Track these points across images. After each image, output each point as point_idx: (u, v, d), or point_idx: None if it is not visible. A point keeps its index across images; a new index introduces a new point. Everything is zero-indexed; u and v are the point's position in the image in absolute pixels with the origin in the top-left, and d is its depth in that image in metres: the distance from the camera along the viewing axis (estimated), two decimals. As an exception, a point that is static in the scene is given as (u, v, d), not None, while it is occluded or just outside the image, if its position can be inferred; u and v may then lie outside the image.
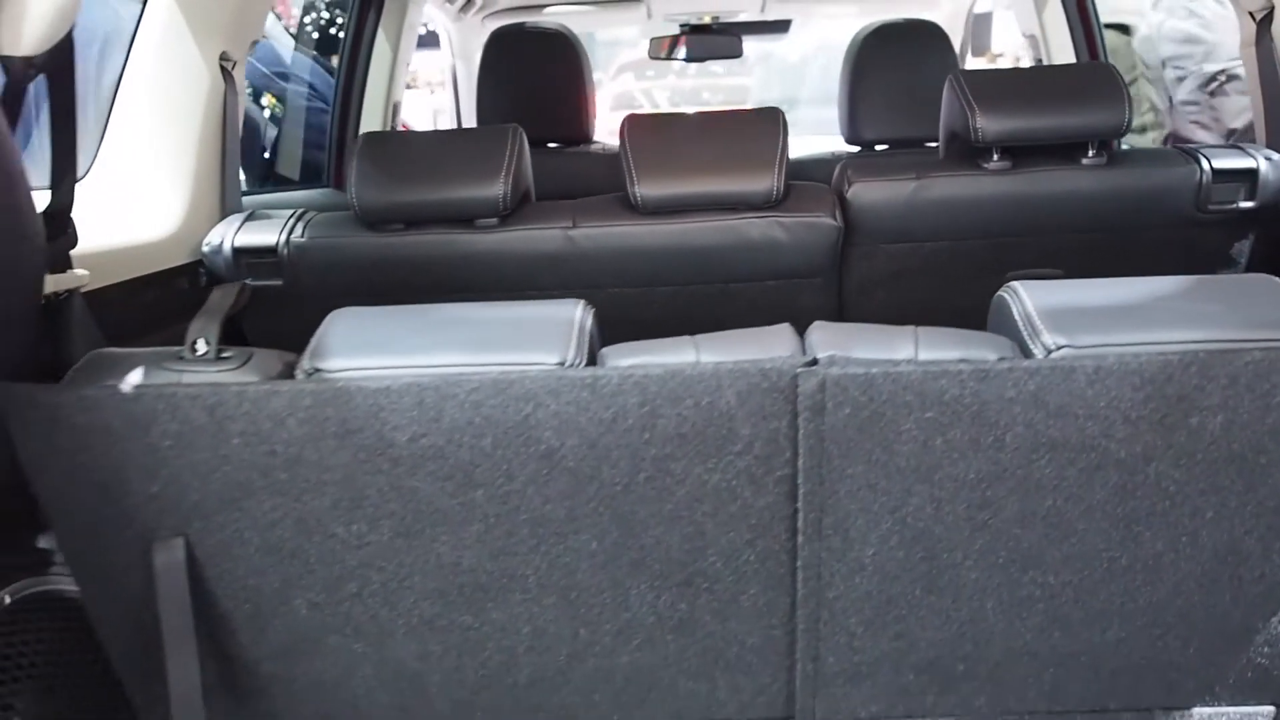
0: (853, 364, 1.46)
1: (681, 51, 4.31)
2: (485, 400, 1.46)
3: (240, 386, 1.48)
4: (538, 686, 1.73)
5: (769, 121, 2.40)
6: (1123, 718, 1.78)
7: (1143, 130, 4.18)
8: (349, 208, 2.34)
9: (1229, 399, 1.45)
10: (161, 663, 1.62)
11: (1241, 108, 3.65)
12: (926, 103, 3.02)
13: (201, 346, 1.56)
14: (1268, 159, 2.46)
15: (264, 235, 2.41)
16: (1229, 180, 2.45)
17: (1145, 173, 2.46)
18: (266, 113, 3.75)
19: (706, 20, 4.22)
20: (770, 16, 4.47)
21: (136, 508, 1.55)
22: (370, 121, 3.65)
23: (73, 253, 1.81)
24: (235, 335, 2.38)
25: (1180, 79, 4.10)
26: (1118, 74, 2.46)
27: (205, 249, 2.41)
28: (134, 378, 1.53)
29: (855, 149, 3.33)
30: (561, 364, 1.51)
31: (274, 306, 2.41)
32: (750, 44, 4.66)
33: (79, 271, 1.82)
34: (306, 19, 4.30)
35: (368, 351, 1.54)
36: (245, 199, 2.60)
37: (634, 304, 2.42)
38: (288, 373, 1.58)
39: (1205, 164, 2.44)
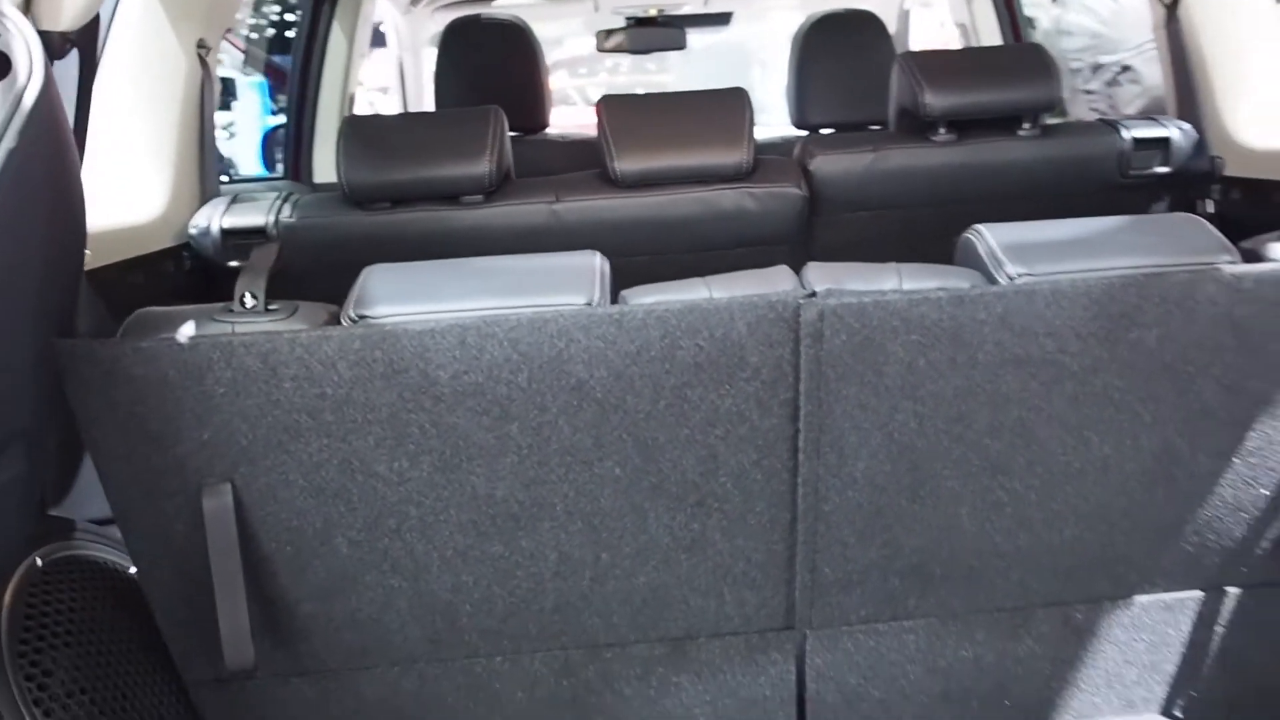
0: (847, 295, 1.70)
1: (627, 43, 4.54)
2: (522, 338, 1.67)
3: (293, 333, 1.65)
4: (562, 611, 1.93)
5: (736, 100, 2.64)
6: (1077, 610, 2.05)
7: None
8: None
9: (1161, 315, 1.73)
10: (207, 608, 1.76)
11: (1134, 95, 3.95)
12: (868, 87, 3.30)
13: (250, 301, 1.73)
14: (1179, 129, 2.77)
15: (252, 217, 2.56)
16: (1147, 148, 2.75)
17: (1074, 142, 2.76)
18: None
19: (652, 13, 4.45)
20: (713, 9, 4.72)
21: (187, 455, 1.70)
22: (327, 114, 3.81)
23: None
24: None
25: (1078, 69, 4.45)
26: (1049, 55, 2.76)
27: (193, 231, 2.55)
28: (188, 329, 1.69)
29: (803, 133, 3.58)
30: (589, 304, 1.72)
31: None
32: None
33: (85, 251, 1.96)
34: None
35: (409, 299, 1.73)
36: None
37: (617, 272, 2.65)
38: (333, 321, 1.75)
39: (1126, 134, 2.74)
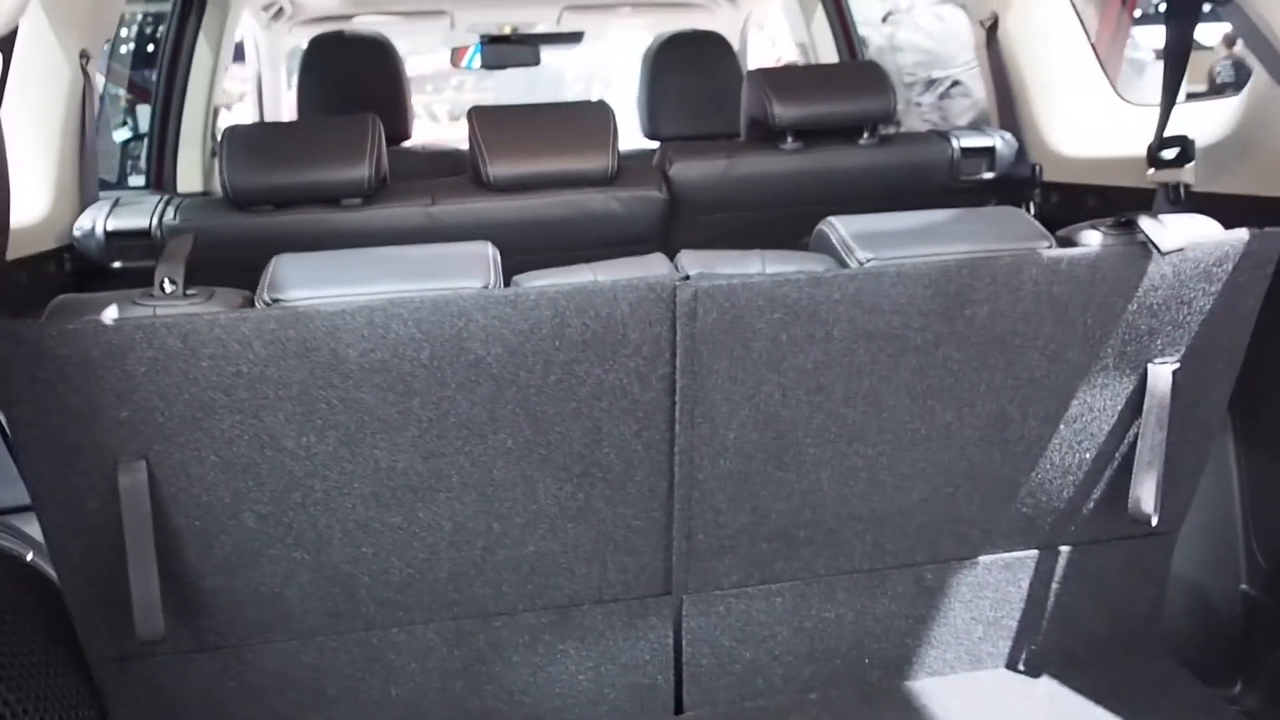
0: (718, 278, 1.92)
1: (479, 60, 4.74)
2: (425, 318, 1.83)
3: (212, 314, 1.79)
4: (455, 581, 2.10)
5: (600, 111, 2.86)
6: (928, 570, 2.32)
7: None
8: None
9: (991, 293, 2.00)
10: (115, 584, 1.87)
11: (966, 108, 4.32)
12: (715, 102, 3.58)
13: (169, 286, 1.86)
14: (1003, 139, 3.11)
15: (135, 219, 2.67)
16: (974, 156, 3.08)
17: (910, 150, 3.07)
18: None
19: (506, 30, 4.66)
20: (565, 29, 4.96)
21: (104, 434, 1.82)
22: (191, 126, 3.89)
23: None
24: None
25: (911, 84, 4.83)
26: (885, 72, 3.06)
27: (77, 233, 2.64)
28: (112, 312, 1.80)
29: (653, 145, 3.82)
30: (485, 287, 1.90)
31: (146, 286, 2.67)
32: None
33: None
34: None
35: (320, 284, 1.88)
36: None
37: None
38: (247, 305, 1.88)
39: (955, 143, 3.08)
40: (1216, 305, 2.10)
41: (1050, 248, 2.06)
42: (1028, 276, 2.01)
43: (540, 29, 4.90)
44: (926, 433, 2.11)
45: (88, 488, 1.85)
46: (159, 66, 3.83)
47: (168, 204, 2.71)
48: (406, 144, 3.99)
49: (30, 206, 2.55)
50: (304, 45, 4.53)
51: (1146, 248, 2.03)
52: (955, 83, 4.10)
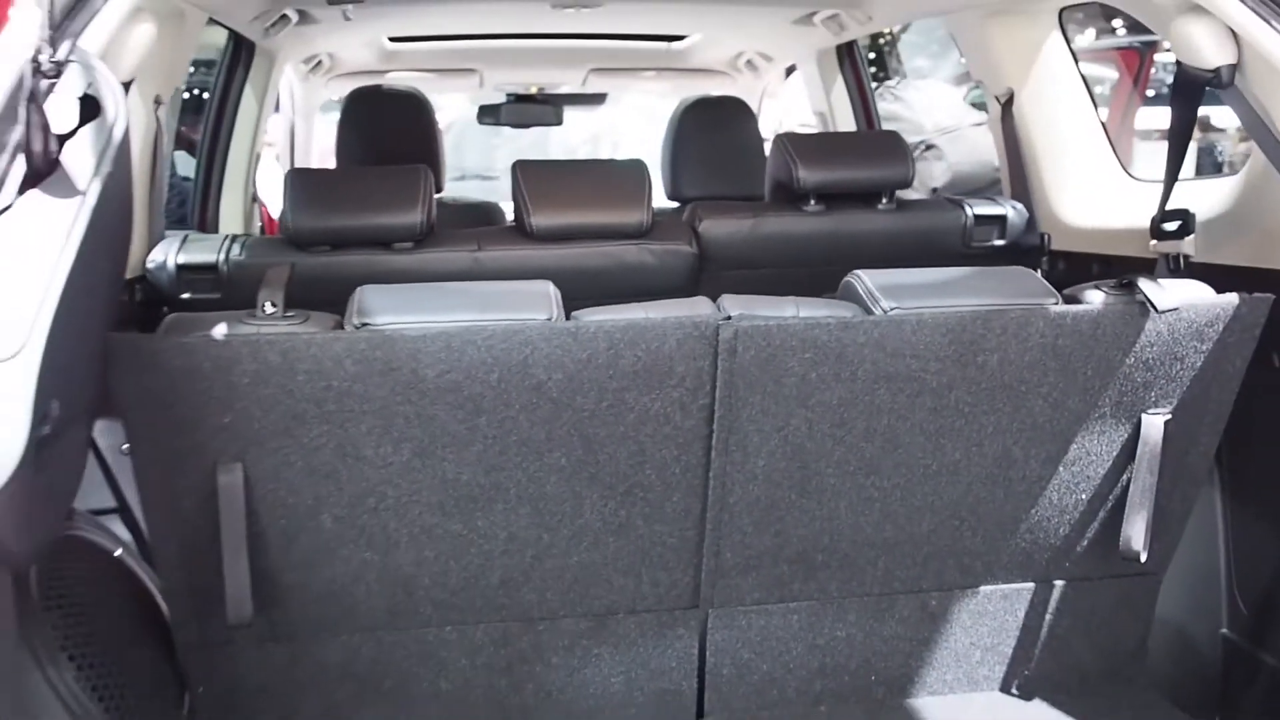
0: (756, 319, 2.21)
1: (507, 117, 5.06)
2: (496, 344, 2.12)
3: (309, 334, 2.09)
4: (505, 586, 2.36)
5: (637, 169, 3.17)
6: (932, 596, 2.58)
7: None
8: None
9: (1001, 343, 2.29)
10: (206, 576, 2.15)
11: (940, 171, 4.59)
12: (736, 164, 3.88)
13: (269, 308, 2.14)
14: (1014, 208, 3.42)
15: (204, 254, 2.96)
16: (986, 223, 3.39)
17: (925, 215, 3.38)
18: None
19: (533, 90, 4.99)
20: (589, 90, 5.29)
21: (206, 439, 2.10)
22: (235, 171, 4.19)
23: None
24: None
25: None
26: (904, 141, 3.38)
27: (150, 265, 2.92)
28: (222, 329, 2.09)
29: (674, 205, 4.11)
30: (549, 319, 2.18)
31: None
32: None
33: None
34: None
35: (402, 311, 2.17)
36: None
37: None
38: (338, 327, 2.16)
39: (969, 210, 3.38)
40: (1207, 362, 2.38)
41: (1056, 304, 2.34)
42: (1035, 329, 2.30)
43: (565, 89, 5.23)
44: (937, 469, 2.39)
45: (189, 488, 2.13)
46: (206, 115, 4.13)
47: (234, 242, 3.00)
48: (437, 196, 4.29)
49: (109, 240, 2.83)
50: (335, 97, 4.88)
51: (1145, 307, 2.31)
52: (929, 145, 4.38)
